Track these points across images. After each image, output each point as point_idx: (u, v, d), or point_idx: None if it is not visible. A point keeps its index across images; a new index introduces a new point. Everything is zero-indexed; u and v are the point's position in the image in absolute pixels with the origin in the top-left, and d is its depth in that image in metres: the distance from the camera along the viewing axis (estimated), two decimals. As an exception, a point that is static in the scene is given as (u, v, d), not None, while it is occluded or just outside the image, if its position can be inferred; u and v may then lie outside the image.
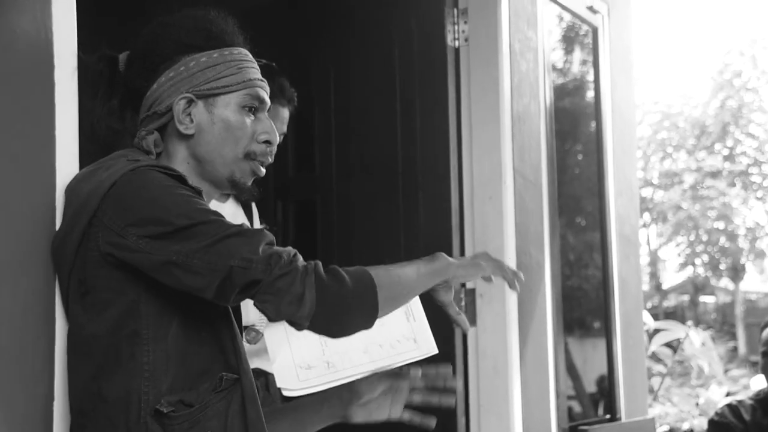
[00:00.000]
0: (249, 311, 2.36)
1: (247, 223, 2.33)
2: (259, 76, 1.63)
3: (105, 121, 1.62)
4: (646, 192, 18.15)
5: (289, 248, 1.46)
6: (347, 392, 1.71)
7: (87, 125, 1.64)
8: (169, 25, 1.61)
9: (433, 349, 1.98)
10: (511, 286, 1.65)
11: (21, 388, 1.52)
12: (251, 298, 1.43)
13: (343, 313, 1.48)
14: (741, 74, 17.94)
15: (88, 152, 1.65)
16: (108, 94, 1.63)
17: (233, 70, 1.59)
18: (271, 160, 1.64)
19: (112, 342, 1.46)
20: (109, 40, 1.68)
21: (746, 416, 3.06)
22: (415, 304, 2.01)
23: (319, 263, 1.47)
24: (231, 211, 2.27)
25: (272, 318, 1.44)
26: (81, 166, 1.64)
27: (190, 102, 1.57)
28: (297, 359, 1.93)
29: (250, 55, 1.64)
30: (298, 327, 1.46)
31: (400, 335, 1.97)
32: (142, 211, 1.43)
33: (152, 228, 1.42)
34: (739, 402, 3.13)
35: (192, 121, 1.57)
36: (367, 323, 1.51)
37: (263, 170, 1.63)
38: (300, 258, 1.46)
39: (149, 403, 1.44)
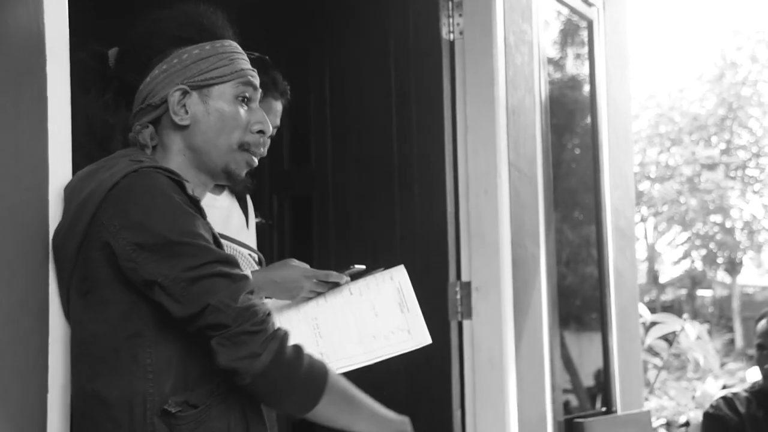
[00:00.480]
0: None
1: (243, 218, 2.32)
2: (250, 66, 1.65)
3: (101, 116, 1.63)
4: (644, 186, 18.15)
5: (266, 307, 1.47)
6: None
7: (81, 121, 1.64)
8: (161, 20, 1.62)
9: (426, 339, 1.99)
10: None
11: (16, 381, 1.52)
12: (210, 337, 1.43)
13: (283, 390, 1.46)
14: (738, 68, 17.93)
15: (83, 147, 1.65)
16: (101, 90, 1.64)
17: (225, 62, 1.60)
18: (264, 152, 1.65)
19: (112, 342, 1.47)
20: (97, 36, 1.68)
21: (741, 408, 3.07)
22: (409, 294, 2.02)
23: (288, 334, 1.48)
24: (226, 204, 2.27)
25: (219, 363, 1.43)
26: (74, 160, 1.64)
27: (184, 93, 1.58)
28: None
29: (239, 47, 1.65)
30: (239, 380, 1.44)
31: (394, 326, 1.98)
32: (138, 216, 1.44)
33: (143, 236, 1.43)
34: (734, 394, 3.14)
35: (187, 112, 1.59)
36: (299, 411, 1.49)
37: (256, 161, 1.64)
38: (272, 320, 1.47)
39: (155, 403, 1.45)
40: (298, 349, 1.48)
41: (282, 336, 1.46)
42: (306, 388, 1.47)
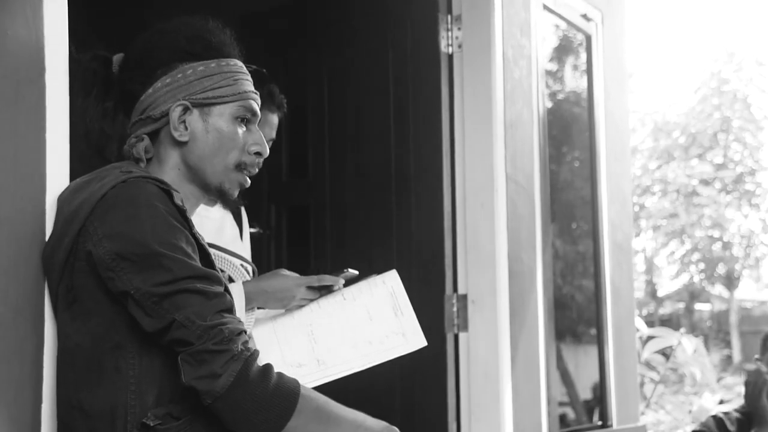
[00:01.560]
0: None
1: (236, 229, 2.33)
2: (252, 88, 1.65)
3: (99, 123, 1.63)
4: (643, 200, 18.16)
5: (240, 326, 1.45)
6: None
7: (80, 125, 1.64)
8: (168, 32, 1.62)
9: (422, 342, 1.99)
10: None
11: (10, 391, 1.52)
12: (177, 352, 1.42)
13: (247, 412, 1.42)
14: (730, 83, 17.97)
15: (80, 153, 1.66)
16: (102, 95, 1.64)
17: (229, 81, 1.60)
18: (260, 165, 1.66)
19: (95, 353, 1.47)
20: (107, 42, 1.69)
21: (731, 428, 3.05)
22: (402, 298, 2.02)
23: (257, 353, 1.45)
24: (219, 215, 2.27)
25: (183, 380, 1.42)
26: (72, 169, 1.65)
27: (185, 109, 1.58)
28: (287, 358, 1.94)
29: (244, 67, 1.65)
30: (203, 400, 1.42)
31: (388, 330, 1.98)
32: (120, 225, 1.45)
33: (124, 245, 1.43)
34: (726, 414, 3.12)
35: (186, 128, 1.59)
36: None
37: (248, 181, 1.65)
38: (242, 340, 1.43)
39: (136, 416, 1.44)
40: (265, 369, 1.44)
41: (247, 357, 1.42)
42: (272, 410, 1.42)
